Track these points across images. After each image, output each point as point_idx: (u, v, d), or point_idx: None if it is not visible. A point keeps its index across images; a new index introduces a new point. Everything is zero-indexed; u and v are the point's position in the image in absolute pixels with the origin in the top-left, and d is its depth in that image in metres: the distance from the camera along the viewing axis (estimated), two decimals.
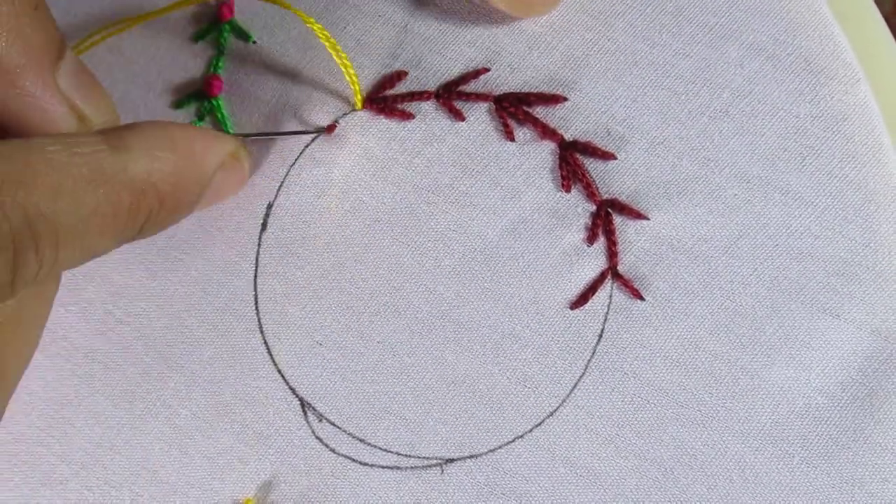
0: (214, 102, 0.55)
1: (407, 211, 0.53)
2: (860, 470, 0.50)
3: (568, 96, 0.52)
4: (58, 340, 0.55)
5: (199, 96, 0.56)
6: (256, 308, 0.54)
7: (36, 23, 0.46)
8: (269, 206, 0.54)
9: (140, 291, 0.55)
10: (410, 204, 0.53)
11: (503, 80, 0.53)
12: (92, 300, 0.55)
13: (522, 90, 0.53)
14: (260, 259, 0.54)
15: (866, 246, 0.50)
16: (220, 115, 0.55)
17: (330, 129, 0.54)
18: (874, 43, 0.52)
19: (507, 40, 0.53)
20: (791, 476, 0.50)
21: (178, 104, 0.56)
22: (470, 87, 0.53)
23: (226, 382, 0.54)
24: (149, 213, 0.46)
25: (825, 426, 0.50)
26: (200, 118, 0.55)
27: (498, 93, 0.53)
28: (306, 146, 0.54)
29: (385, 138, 0.54)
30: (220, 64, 0.56)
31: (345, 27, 0.54)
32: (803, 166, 0.51)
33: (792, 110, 0.51)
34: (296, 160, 0.54)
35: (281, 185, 0.54)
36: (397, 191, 0.53)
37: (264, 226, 0.54)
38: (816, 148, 0.51)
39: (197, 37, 0.56)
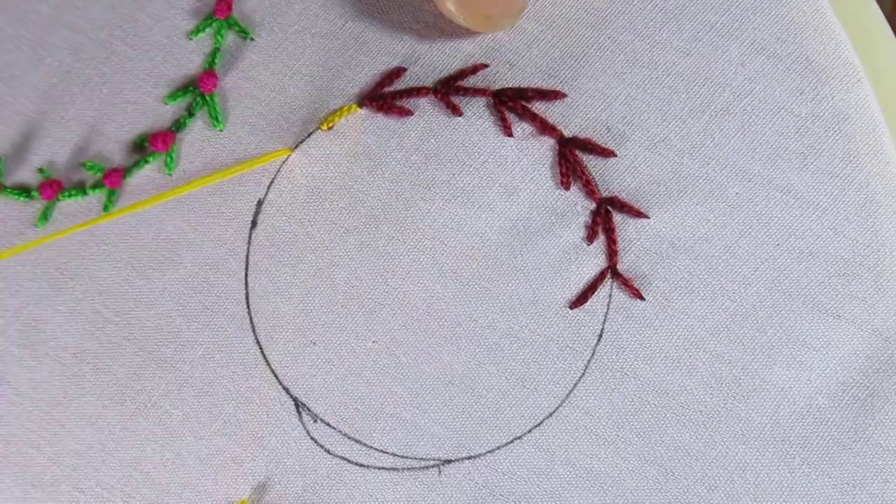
0: (208, 98, 0.54)
1: (403, 207, 0.53)
2: (861, 471, 0.50)
3: (567, 93, 0.52)
4: (46, 341, 0.54)
5: (192, 91, 0.55)
6: (248, 307, 0.53)
7: None
8: (259, 203, 0.54)
9: (128, 290, 0.54)
10: (407, 200, 0.53)
11: (501, 75, 0.52)
12: (80, 300, 0.54)
13: (521, 86, 0.52)
14: (250, 257, 0.54)
15: (867, 246, 0.50)
16: (212, 111, 0.54)
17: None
18: (875, 42, 0.51)
19: (506, 37, 0.53)
20: (792, 477, 0.50)
21: (170, 98, 0.55)
22: (468, 82, 0.53)
23: (218, 383, 0.53)
24: None
25: (826, 427, 0.50)
26: (191, 114, 0.55)
27: (496, 88, 0.52)
28: (300, 142, 0.54)
29: (383, 135, 0.53)
30: (216, 60, 0.55)
31: (343, 25, 0.54)
32: (804, 165, 0.50)
33: (793, 109, 0.51)
34: (287, 157, 0.54)
35: (272, 182, 0.54)
36: (394, 187, 0.53)
37: (254, 223, 0.54)
38: (817, 147, 0.51)
39: (194, 32, 0.55)
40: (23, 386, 0.54)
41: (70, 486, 0.53)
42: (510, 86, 0.52)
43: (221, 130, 0.55)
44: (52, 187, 0.55)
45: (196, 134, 0.55)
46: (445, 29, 0.53)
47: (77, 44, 0.56)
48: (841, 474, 0.50)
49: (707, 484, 0.50)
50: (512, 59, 0.53)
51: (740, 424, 0.50)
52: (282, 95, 0.54)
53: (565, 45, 0.52)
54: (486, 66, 0.53)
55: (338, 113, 0.53)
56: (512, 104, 0.52)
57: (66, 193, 0.55)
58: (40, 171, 0.55)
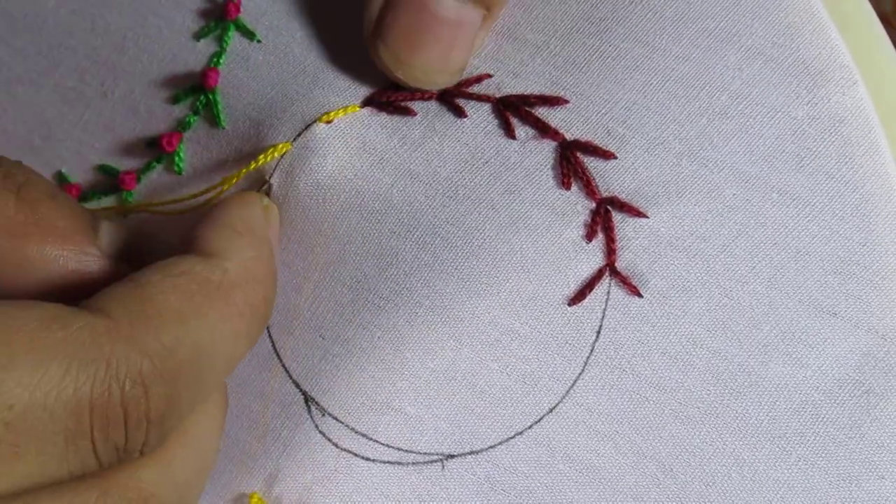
0: (211, 96, 0.55)
1: (405, 203, 0.53)
2: (857, 467, 0.50)
3: (569, 99, 0.53)
4: None
5: (196, 91, 0.56)
6: None
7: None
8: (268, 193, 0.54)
9: None
10: (408, 196, 0.53)
11: (505, 84, 0.53)
12: None
13: (524, 93, 0.53)
14: None
15: (863, 245, 0.51)
16: (215, 109, 0.55)
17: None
18: (871, 46, 0.52)
19: (510, 47, 0.53)
20: (788, 473, 0.51)
21: (174, 99, 0.56)
22: (472, 90, 0.54)
23: (233, 375, 0.54)
24: (263, 300, 0.47)
25: (822, 424, 0.51)
26: (196, 112, 0.56)
27: (500, 95, 0.53)
28: (297, 135, 0.54)
29: (385, 132, 0.54)
30: (221, 60, 0.56)
31: (349, 29, 0.55)
32: (801, 167, 0.51)
33: (790, 112, 0.51)
34: (286, 151, 0.54)
35: (271, 175, 0.54)
36: (395, 182, 0.53)
37: None
38: (814, 149, 0.51)
39: (201, 34, 0.56)
40: None
41: None
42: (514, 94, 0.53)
43: (225, 129, 0.56)
44: (71, 192, 0.56)
45: (201, 132, 0.56)
46: None
47: (92, 47, 0.57)
48: (837, 470, 0.50)
49: (704, 479, 0.51)
50: (515, 68, 0.54)
51: (737, 420, 0.51)
52: (286, 94, 0.55)
53: (568, 54, 0.53)
54: (489, 75, 0.54)
55: (337, 111, 0.54)
56: (515, 109, 0.53)
57: (85, 197, 0.56)
58: (59, 174, 0.56)
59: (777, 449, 0.51)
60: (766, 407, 0.51)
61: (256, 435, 0.54)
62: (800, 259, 0.51)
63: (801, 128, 0.51)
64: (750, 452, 0.51)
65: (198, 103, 0.56)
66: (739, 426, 0.51)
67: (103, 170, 0.56)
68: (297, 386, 0.54)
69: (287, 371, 0.54)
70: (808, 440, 0.51)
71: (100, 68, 0.57)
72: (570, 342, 0.52)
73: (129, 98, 0.57)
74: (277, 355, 0.54)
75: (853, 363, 0.51)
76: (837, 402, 0.51)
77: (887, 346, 0.50)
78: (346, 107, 0.54)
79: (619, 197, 0.52)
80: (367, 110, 0.54)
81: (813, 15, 0.52)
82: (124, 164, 0.56)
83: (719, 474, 0.51)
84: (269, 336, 0.54)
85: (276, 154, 0.54)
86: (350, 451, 0.53)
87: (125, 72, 0.57)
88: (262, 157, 0.54)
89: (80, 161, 0.57)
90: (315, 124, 0.54)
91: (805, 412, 0.51)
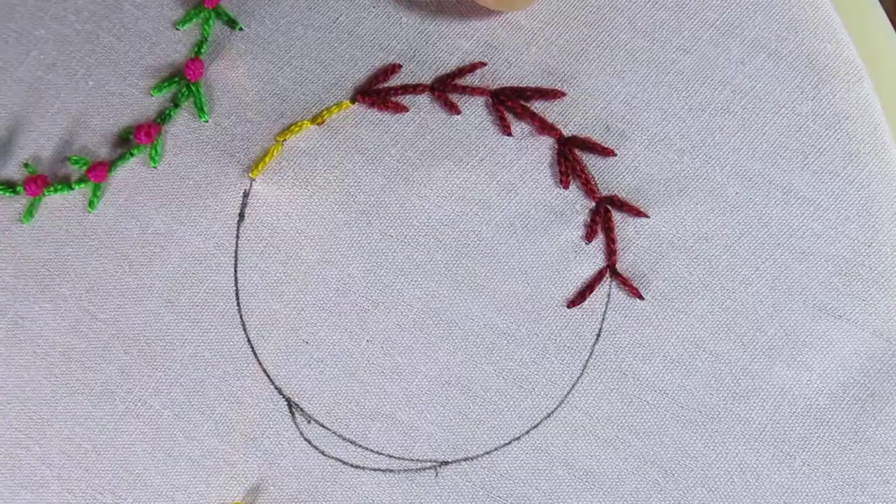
0: (193, 87, 0.54)
1: (397, 203, 0.52)
2: (861, 472, 0.50)
3: (566, 91, 0.51)
4: (33, 338, 0.53)
5: (177, 81, 0.54)
6: (238, 304, 0.53)
7: None
8: (245, 195, 0.53)
9: (115, 286, 0.53)
10: (401, 196, 0.52)
11: (500, 74, 0.52)
12: (66, 297, 0.53)
13: (520, 85, 0.52)
14: (239, 252, 0.53)
15: (868, 245, 0.50)
16: (198, 101, 0.53)
17: None
18: (877, 41, 0.51)
19: (505, 34, 0.52)
20: (792, 478, 0.50)
21: (156, 89, 0.54)
22: (466, 80, 0.52)
23: (209, 382, 0.52)
24: None
25: (826, 427, 0.50)
26: (177, 105, 0.54)
27: (495, 87, 0.52)
28: (288, 136, 0.53)
29: (377, 130, 0.52)
30: (203, 49, 0.54)
31: (337, 18, 0.53)
32: (805, 164, 0.50)
33: (794, 108, 0.51)
34: (271, 147, 0.53)
35: (253, 172, 0.53)
36: (387, 182, 0.52)
37: (242, 216, 0.53)
38: (818, 146, 0.50)
39: (181, 22, 0.54)
40: (10, 385, 0.53)
41: (59, 486, 0.53)
42: (509, 84, 0.52)
43: (206, 122, 0.54)
44: (36, 183, 0.54)
45: (181, 125, 0.54)
46: (442, 25, 0.52)
47: (63, 36, 0.55)
48: (841, 475, 0.50)
49: (707, 485, 0.50)
50: (510, 57, 0.52)
51: (740, 425, 0.50)
52: (271, 86, 0.53)
53: (564, 43, 0.52)
54: (483, 64, 0.52)
55: (329, 110, 0.53)
56: (511, 104, 0.51)
57: (52, 188, 0.54)
58: (25, 165, 0.54)
59: (781, 453, 0.50)
60: (769, 411, 0.50)
61: (232, 443, 0.52)
62: (804, 260, 0.50)
63: (806, 124, 0.50)
64: (753, 457, 0.50)
65: (180, 95, 0.54)
66: (742, 430, 0.50)
67: (73, 162, 0.54)
68: (280, 392, 0.52)
69: (269, 377, 0.52)
70: (813, 444, 0.50)
71: (70, 58, 0.55)
72: (568, 345, 0.51)
73: (103, 88, 0.54)
74: (258, 360, 0.52)
75: (858, 366, 0.50)
76: (842, 405, 0.50)
77: (893, 349, 0.50)
78: (339, 103, 0.53)
79: (619, 196, 0.51)
80: (358, 106, 0.52)
81: (818, 8, 0.51)
82: (95, 155, 0.54)
83: (722, 479, 0.50)
84: (248, 341, 0.52)
85: (269, 156, 0.52)
86: (338, 459, 0.52)
87: (98, 62, 0.54)
88: (260, 159, 0.53)
89: (46, 152, 0.54)
90: (307, 125, 0.53)
91: (809, 416, 0.50)
